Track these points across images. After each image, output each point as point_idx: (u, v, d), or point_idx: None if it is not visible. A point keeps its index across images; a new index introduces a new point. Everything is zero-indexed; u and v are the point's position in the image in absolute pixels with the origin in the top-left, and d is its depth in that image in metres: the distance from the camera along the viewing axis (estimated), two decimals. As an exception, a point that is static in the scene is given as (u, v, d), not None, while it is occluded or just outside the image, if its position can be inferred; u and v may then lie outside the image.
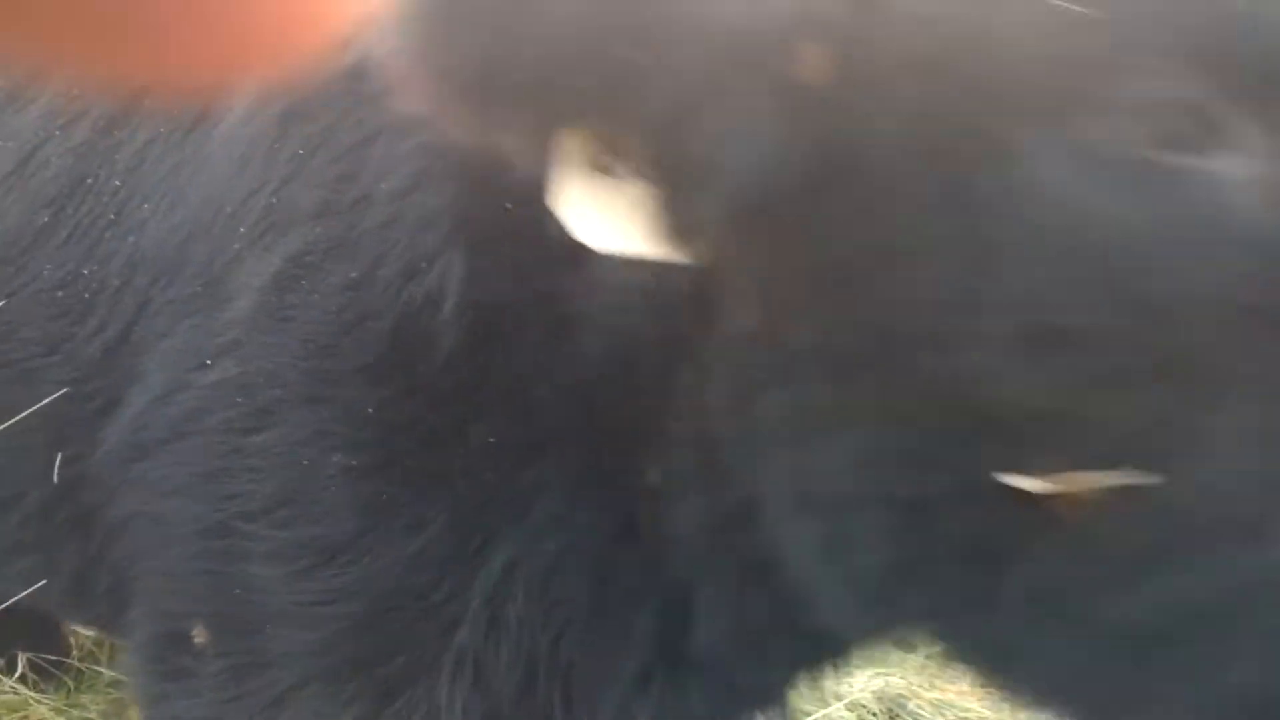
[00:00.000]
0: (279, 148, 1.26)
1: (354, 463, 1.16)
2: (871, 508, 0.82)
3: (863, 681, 2.26)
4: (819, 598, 0.93)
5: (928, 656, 2.43)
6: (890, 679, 2.30)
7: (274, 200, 1.25)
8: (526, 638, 1.14)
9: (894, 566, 0.83)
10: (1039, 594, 0.76)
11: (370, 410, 1.14)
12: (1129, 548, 0.71)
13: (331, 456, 1.17)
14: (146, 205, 1.38)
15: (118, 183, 1.40)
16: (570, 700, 1.17)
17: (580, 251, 0.90)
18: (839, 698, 2.18)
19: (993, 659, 0.88)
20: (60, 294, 1.39)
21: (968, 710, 2.31)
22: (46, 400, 1.37)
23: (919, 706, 2.30)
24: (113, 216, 1.39)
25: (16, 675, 2.16)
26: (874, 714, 2.26)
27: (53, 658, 2.20)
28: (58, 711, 2.16)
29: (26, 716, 2.13)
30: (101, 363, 1.35)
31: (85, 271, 1.39)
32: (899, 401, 0.76)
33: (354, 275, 1.17)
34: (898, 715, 2.29)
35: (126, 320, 1.34)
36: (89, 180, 1.42)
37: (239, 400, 1.23)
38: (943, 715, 2.30)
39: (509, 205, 1.06)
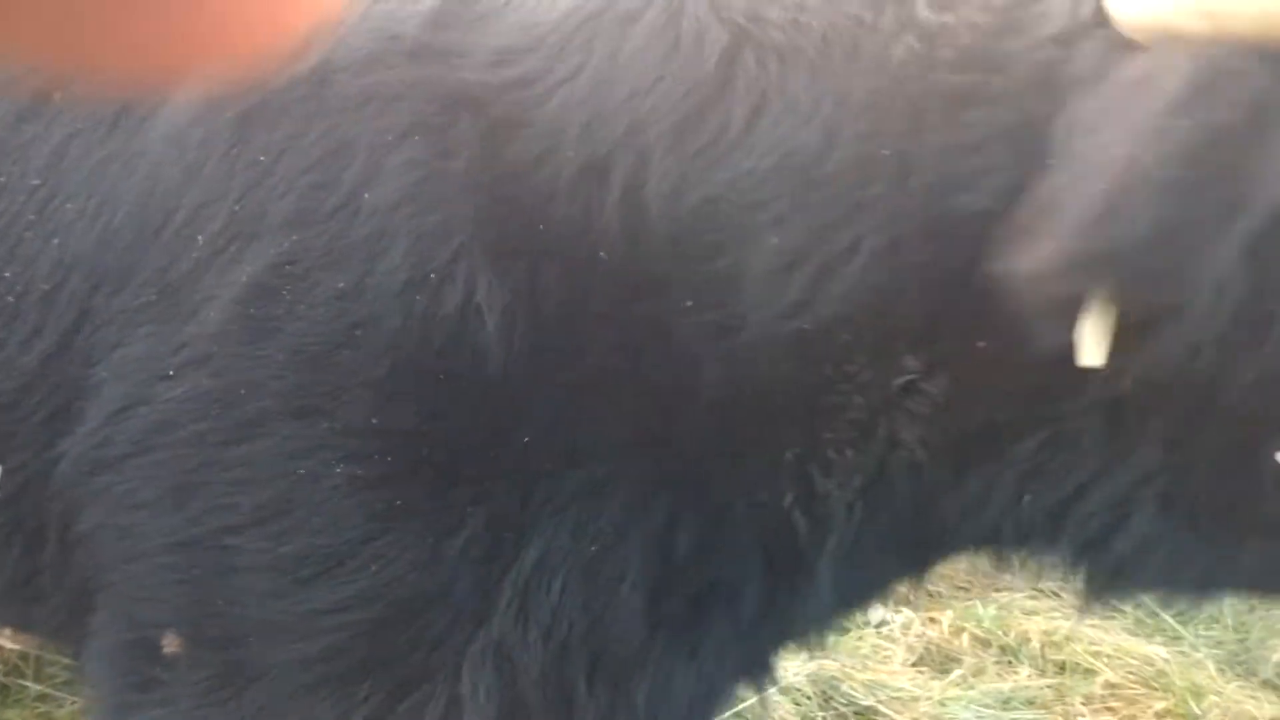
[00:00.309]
0: (237, 153, 1.23)
1: (361, 473, 1.16)
2: (1136, 510, 1.05)
3: (797, 665, 2.30)
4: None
5: (860, 638, 2.50)
6: (824, 662, 2.35)
7: (237, 209, 1.22)
8: (559, 628, 1.19)
9: (1152, 542, 1.08)
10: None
11: (377, 421, 1.15)
12: None
13: (335, 468, 1.16)
14: (71, 205, 1.32)
15: (36, 181, 1.35)
16: (594, 683, 1.21)
17: (652, 283, 1.06)
18: (773, 683, 2.21)
19: (1199, 582, 1.18)
20: None
21: (899, 690, 2.37)
22: None
23: (852, 688, 2.35)
24: (33, 217, 1.34)
25: (-61, 692, 2.11)
26: (808, 697, 2.31)
27: (-24, 673, 2.15)
28: (-19, 728, 2.11)
29: (-49, 733, 2.08)
30: (41, 371, 1.31)
31: (7, 274, 1.33)
32: (1194, 440, 1.02)
33: (343, 286, 1.15)
34: (831, 697, 2.34)
35: (65, 328, 1.30)
36: (1, 179, 1.36)
37: (214, 413, 1.21)
38: (875, 695, 2.35)
39: (543, 228, 1.09)
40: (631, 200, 1.07)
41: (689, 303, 1.07)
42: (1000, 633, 2.60)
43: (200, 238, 1.23)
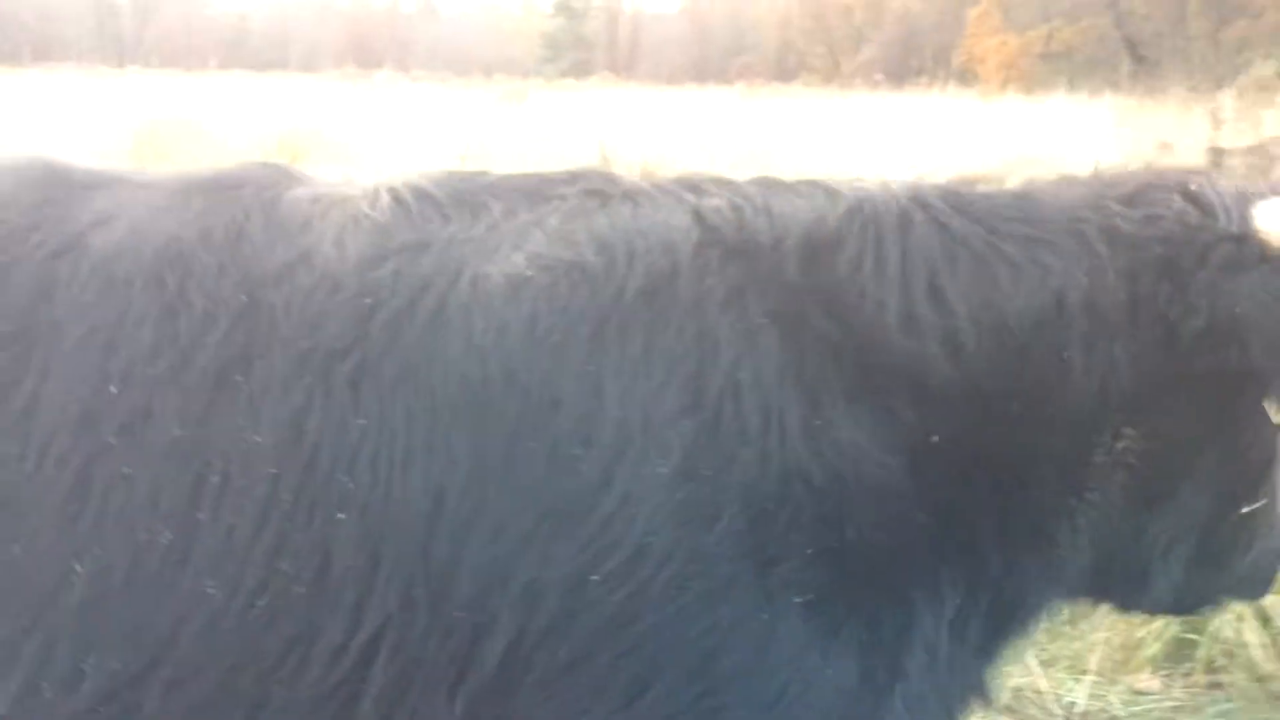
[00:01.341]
0: (597, 367, 1.39)
1: (811, 597, 1.40)
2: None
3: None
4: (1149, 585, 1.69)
5: None
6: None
7: (619, 414, 1.38)
8: (957, 674, 1.57)
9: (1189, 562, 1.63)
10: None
11: (811, 550, 1.39)
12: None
13: (792, 601, 1.39)
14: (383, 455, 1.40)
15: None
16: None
17: (979, 401, 1.48)
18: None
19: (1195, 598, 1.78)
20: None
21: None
22: None
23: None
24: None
25: None
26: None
27: None
28: None
29: None
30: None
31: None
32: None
33: (752, 452, 1.38)
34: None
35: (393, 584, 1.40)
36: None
37: (667, 599, 1.36)
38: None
39: (885, 372, 1.46)
40: (949, 342, 1.47)
41: (1017, 409, 1.48)
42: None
43: (584, 452, 1.37)
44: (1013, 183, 1.67)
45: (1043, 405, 1.51)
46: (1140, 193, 1.57)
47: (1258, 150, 6.92)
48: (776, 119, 17.98)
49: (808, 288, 1.46)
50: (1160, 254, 1.51)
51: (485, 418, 1.40)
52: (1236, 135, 8.37)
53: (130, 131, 11.77)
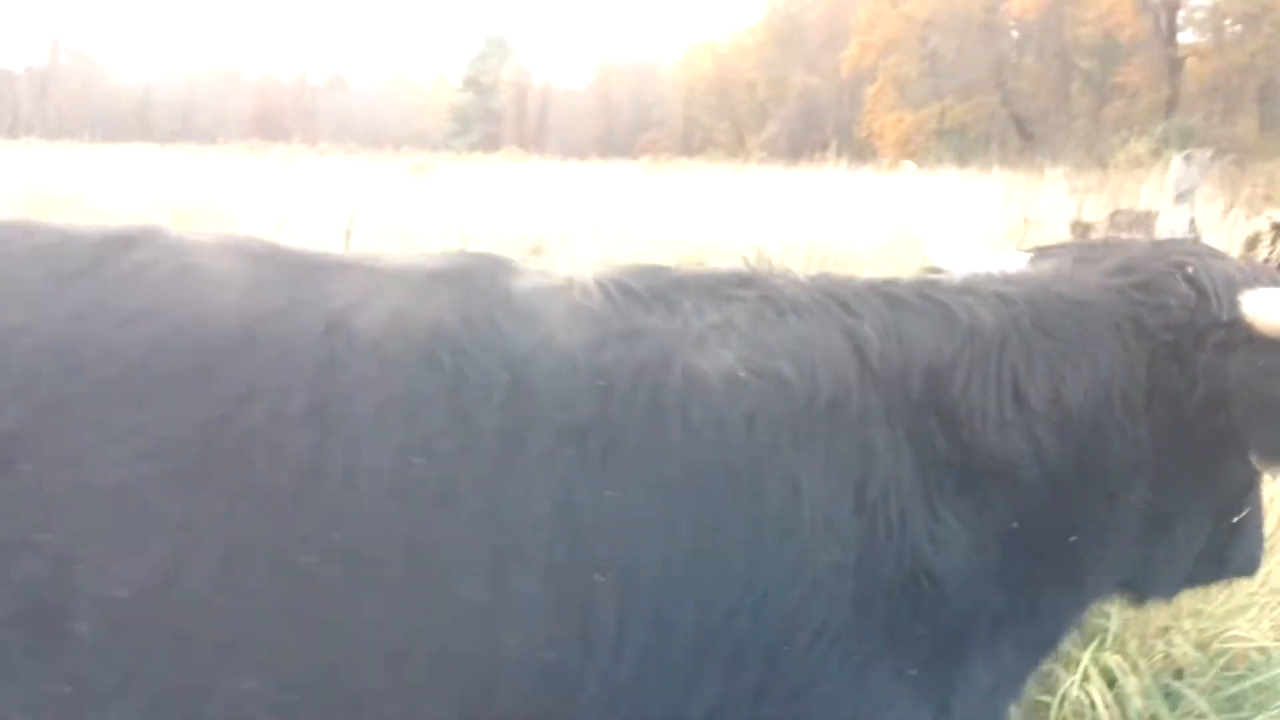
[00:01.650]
0: (796, 472, 1.61)
1: (918, 670, 1.69)
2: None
3: None
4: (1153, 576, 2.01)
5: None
6: None
7: (809, 514, 1.61)
8: (1000, 703, 1.87)
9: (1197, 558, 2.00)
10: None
11: (923, 632, 1.68)
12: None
13: (908, 671, 1.68)
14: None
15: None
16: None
17: (1060, 487, 1.79)
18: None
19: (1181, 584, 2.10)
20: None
21: None
22: None
23: None
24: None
25: None
26: None
27: None
28: None
29: None
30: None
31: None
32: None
33: (892, 548, 1.66)
34: None
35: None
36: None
37: (840, 673, 1.64)
38: None
39: (974, 469, 1.73)
40: (1031, 438, 1.75)
41: (1073, 490, 1.78)
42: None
43: (783, 542, 1.61)
44: (1059, 279, 1.95)
45: (1090, 483, 1.80)
46: (1152, 281, 1.86)
47: (1081, 226, 7.39)
48: (679, 192, 18.29)
49: (929, 406, 1.73)
50: (1168, 340, 1.81)
51: (703, 500, 1.59)
52: (1103, 208, 8.79)
53: (11, 204, 11.47)
